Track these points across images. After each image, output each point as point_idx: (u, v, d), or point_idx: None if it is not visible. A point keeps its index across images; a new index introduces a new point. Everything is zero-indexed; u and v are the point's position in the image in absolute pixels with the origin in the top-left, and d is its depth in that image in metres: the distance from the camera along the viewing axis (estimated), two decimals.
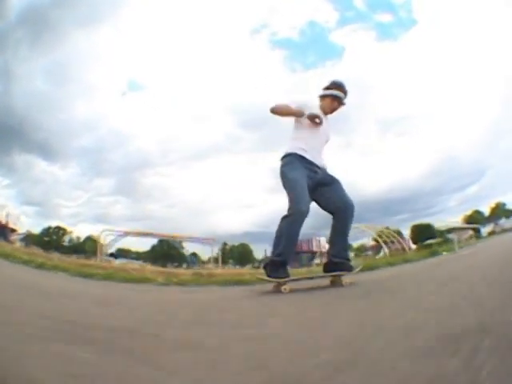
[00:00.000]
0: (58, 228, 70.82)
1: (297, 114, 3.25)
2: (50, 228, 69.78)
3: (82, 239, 65.39)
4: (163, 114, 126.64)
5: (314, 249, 33.95)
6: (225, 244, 59.98)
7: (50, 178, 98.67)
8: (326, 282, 3.31)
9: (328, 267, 3.28)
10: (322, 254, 31.23)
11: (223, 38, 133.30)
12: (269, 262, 3.17)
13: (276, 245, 3.08)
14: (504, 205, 42.19)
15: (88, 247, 47.69)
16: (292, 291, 2.95)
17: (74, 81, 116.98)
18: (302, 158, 3.23)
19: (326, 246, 30.30)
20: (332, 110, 3.46)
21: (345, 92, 3.41)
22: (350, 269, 3.24)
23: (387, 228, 31.04)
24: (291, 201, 3.07)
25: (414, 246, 28.78)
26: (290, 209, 3.04)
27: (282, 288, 2.93)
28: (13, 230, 28.69)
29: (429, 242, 26.48)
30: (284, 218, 3.06)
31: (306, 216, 3.11)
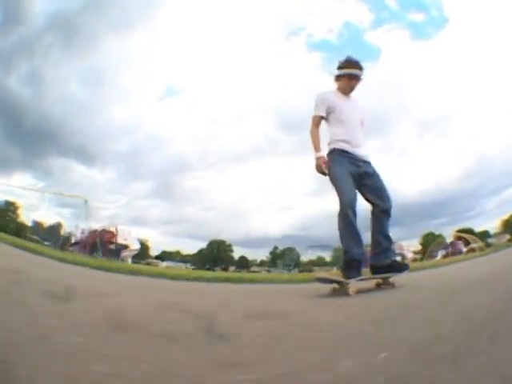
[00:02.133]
0: (105, 231, 69.61)
1: (315, 149, 3.23)
2: (95, 231, 69.37)
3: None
4: (201, 117, 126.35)
5: None
6: (275, 248, 59.56)
7: (87, 182, 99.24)
8: (372, 284, 3.23)
9: (374, 269, 3.18)
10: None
11: (260, 40, 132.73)
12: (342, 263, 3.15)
13: (342, 244, 3.10)
14: None
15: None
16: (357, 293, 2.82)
17: (109, 85, 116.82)
18: (345, 152, 3.18)
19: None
20: (351, 89, 3.33)
21: (360, 68, 3.28)
22: (403, 268, 3.26)
23: None
24: (338, 195, 3.07)
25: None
26: (339, 204, 3.05)
27: (350, 290, 2.77)
28: (124, 247, 28.08)
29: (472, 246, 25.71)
30: (338, 214, 3.08)
31: (353, 206, 3.09)
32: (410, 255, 30.43)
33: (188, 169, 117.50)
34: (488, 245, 23.77)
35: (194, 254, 55.47)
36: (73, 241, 28.47)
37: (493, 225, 43.17)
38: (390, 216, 3.24)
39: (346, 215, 3.04)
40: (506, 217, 42.31)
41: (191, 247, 61.50)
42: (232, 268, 49.62)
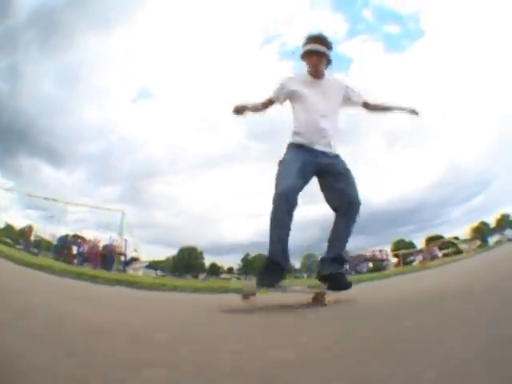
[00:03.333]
0: (76, 236, 68.90)
1: (265, 105, 2.95)
2: (67, 236, 68.52)
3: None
4: (173, 122, 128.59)
5: None
6: (247, 255, 59.32)
7: (55, 183, 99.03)
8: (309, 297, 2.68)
9: (318, 278, 2.79)
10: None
11: (234, 48, 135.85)
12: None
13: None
14: (509, 216, 41.89)
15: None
16: (259, 308, 2.57)
17: (84, 85, 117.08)
18: (301, 146, 2.75)
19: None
20: (315, 69, 2.81)
21: (321, 42, 2.78)
22: (341, 285, 2.74)
23: None
24: (275, 181, 2.66)
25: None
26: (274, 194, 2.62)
27: (246, 301, 2.60)
28: (134, 260, 27.15)
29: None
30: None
31: (288, 195, 2.56)
32: (393, 260, 31.50)
33: (158, 174, 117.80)
34: (460, 251, 24.52)
35: (163, 261, 54.23)
36: (74, 251, 27.16)
37: (461, 232, 45.37)
38: (347, 221, 2.77)
39: (276, 210, 2.56)
40: (475, 224, 44.25)
41: (161, 253, 60.19)
42: (202, 275, 49.16)
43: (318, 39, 2.77)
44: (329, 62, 2.85)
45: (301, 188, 2.64)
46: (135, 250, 27.49)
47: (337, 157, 2.83)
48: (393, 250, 38.00)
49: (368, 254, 31.38)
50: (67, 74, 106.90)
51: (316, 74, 2.82)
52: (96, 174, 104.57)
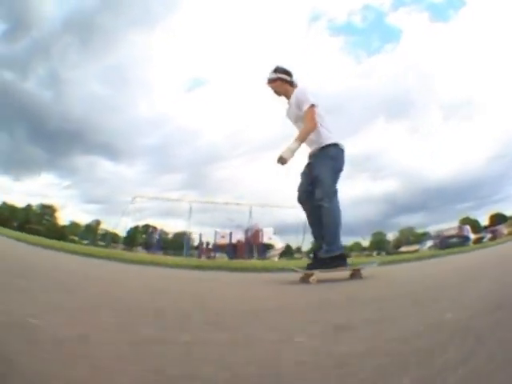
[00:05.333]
0: (147, 226, 73.48)
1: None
2: (137, 227, 74.05)
3: (170, 235, 70.66)
4: (229, 106, 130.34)
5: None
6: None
7: (114, 177, 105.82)
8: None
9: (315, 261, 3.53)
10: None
11: (283, 27, 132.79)
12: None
13: None
14: None
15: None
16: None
17: (133, 82, 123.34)
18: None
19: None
20: (275, 93, 3.80)
21: (276, 70, 3.74)
22: (336, 264, 3.42)
23: None
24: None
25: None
26: None
27: (311, 279, 3.19)
28: (270, 246, 28.41)
29: None
30: None
31: (300, 201, 3.70)
32: (472, 236, 29.98)
33: (219, 159, 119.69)
34: None
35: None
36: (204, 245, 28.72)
37: None
38: (320, 210, 3.42)
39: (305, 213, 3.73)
40: None
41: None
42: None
43: (274, 69, 3.72)
44: (286, 82, 3.71)
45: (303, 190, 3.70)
46: (270, 238, 28.88)
47: (314, 155, 3.68)
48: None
49: (453, 231, 30.45)
50: (114, 72, 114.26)
51: (279, 96, 3.79)
52: (156, 164, 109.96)
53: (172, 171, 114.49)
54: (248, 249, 25.01)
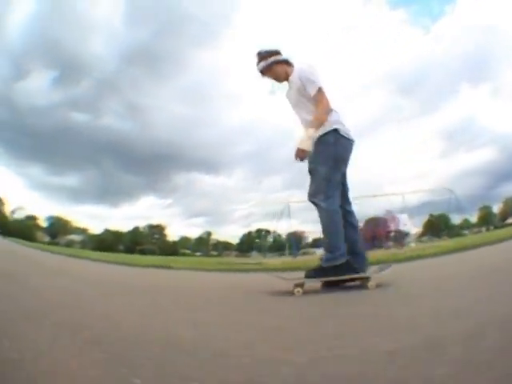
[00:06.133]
0: (259, 230, 75.65)
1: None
2: (250, 232, 77.97)
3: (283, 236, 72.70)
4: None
5: None
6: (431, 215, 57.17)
7: (215, 189, 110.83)
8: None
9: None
10: None
11: (341, 12, 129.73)
12: None
13: None
14: None
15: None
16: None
17: (213, 95, 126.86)
18: None
19: None
20: (275, 80, 3.20)
21: (262, 57, 3.08)
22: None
23: None
24: None
25: None
26: None
27: (295, 290, 2.71)
28: (405, 234, 27.93)
29: None
30: None
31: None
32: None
33: None
34: None
35: None
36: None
37: None
38: (319, 211, 2.90)
39: None
40: None
41: None
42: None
43: (259, 56, 3.08)
44: (283, 62, 3.08)
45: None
46: (405, 225, 27.73)
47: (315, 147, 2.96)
48: None
49: None
50: (191, 90, 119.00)
51: (279, 81, 3.15)
52: (255, 169, 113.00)
53: (272, 174, 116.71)
54: (385, 238, 23.95)
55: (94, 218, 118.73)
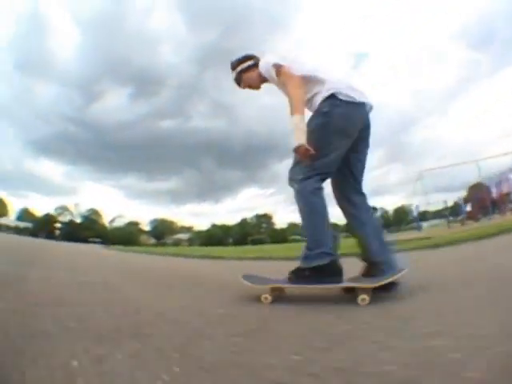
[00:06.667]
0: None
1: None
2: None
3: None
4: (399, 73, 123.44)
5: None
6: None
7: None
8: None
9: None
10: None
11: None
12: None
13: None
14: None
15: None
16: None
17: None
18: None
19: None
20: (252, 88, 2.73)
21: (233, 67, 2.67)
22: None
23: None
24: None
25: None
26: None
27: (262, 297, 2.19)
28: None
29: None
30: None
31: None
32: None
33: (413, 122, 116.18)
34: None
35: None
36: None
37: None
38: (295, 196, 2.23)
39: None
40: None
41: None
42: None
43: (232, 66, 2.68)
44: (247, 69, 2.60)
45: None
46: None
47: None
48: None
49: None
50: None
51: (256, 89, 2.70)
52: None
53: (371, 151, 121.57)
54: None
55: (198, 215, 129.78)
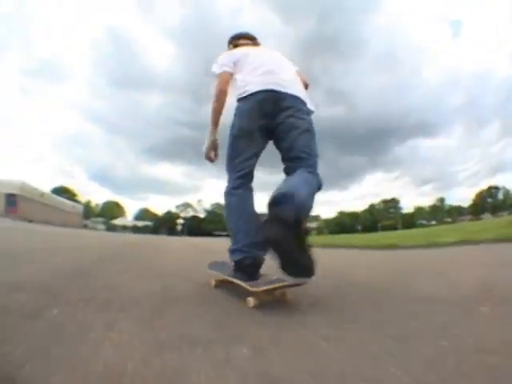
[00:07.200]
0: (490, 188, 77.00)
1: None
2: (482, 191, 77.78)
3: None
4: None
5: None
6: None
7: (436, 152, 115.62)
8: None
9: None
10: None
11: None
12: None
13: None
14: None
15: None
16: None
17: (401, 57, 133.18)
18: None
19: None
20: None
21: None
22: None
23: None
24: None
25: None
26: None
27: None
28: None
29: None
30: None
31: None
32: None
33: None
34: None
35: None
36: None
37: None
38: None
39: None
40: None
41: None
42: None
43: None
44: None
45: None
46: None
47: None
48: None
49: None
50: (381, 57, 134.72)
51: None
52: (470, 123, 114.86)
53: (485, 125, 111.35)
54: None
55: (325, 204, 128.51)
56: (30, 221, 26.35)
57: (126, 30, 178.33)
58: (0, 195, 30.72)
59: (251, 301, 1.61)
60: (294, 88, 2.06)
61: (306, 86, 2.32)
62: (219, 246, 8.26)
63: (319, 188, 1.93)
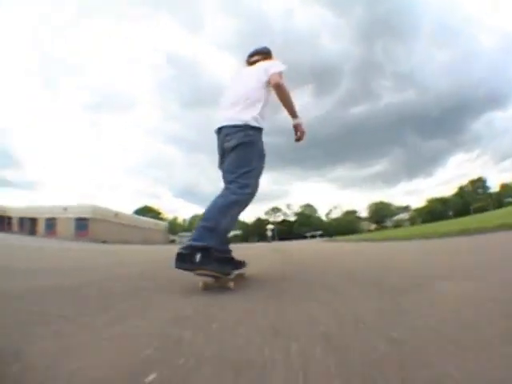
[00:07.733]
0: None
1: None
2: None
3: None
4: None
5: None
6: None
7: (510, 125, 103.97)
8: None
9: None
10: None
11: None
12: None
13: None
14: None
15: None
16: None
17: (460, 27, 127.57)
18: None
19: None
20: None
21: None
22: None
23: None
24: (256, 180, 2.40)
25: None
26: (252, 191, 2.33)
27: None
28: None
29: None
30: (243, 201, 2.29)
31: None
32: None
33: None
34: None
35: None
36: None
37: None
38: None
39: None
40: None
41: None
42: None
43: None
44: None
45: None
46: None
47: None
48: None
49: None
50: (441, 32, 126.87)
51: None
52: None
53: None
54: None
55: (411, 193, 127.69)
56: (104, 241, 26.11)
57: (182, 50, 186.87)
58: (70, 220, 31.70)
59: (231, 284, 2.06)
60: (231, 116, 2.40)
61: (278, 86, 2.44)
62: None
63: (239, 198, 2.23)
